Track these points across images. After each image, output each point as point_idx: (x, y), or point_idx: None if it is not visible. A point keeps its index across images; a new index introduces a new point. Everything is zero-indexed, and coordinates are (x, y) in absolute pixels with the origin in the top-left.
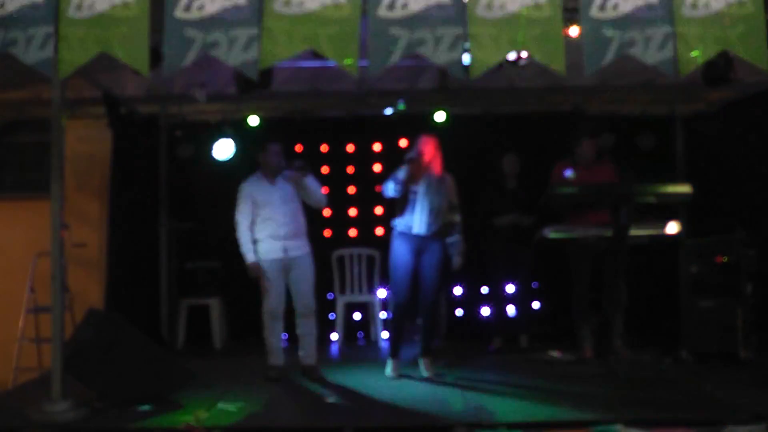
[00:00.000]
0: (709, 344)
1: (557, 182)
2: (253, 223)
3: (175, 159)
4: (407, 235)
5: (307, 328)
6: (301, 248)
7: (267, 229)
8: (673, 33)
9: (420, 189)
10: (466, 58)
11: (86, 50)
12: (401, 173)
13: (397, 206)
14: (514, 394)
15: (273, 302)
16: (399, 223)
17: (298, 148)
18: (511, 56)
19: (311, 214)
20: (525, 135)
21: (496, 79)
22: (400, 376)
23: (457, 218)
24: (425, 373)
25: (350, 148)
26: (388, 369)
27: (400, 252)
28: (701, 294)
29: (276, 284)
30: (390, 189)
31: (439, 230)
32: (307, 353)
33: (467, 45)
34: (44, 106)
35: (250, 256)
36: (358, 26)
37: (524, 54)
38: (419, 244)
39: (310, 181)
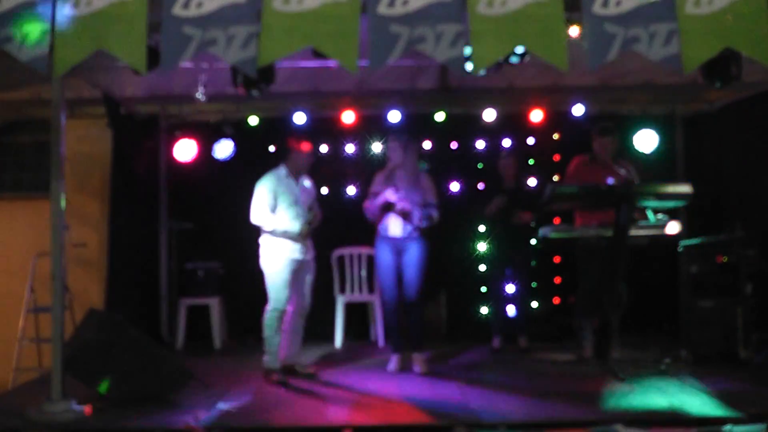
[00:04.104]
0: (709, 344)
1: (570, 177)
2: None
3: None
4: (386, 238)
5: (300, 326)
6: (312, 250)
7: (292, 229)
8: (677, 30)
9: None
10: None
11: (83, 48)
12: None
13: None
14: (514, 394)
15: (285, 302)
16: (380, 227)
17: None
18: (514, 59)
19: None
20: (525, 135)
21: (496, 79)
22: (400, 373)
23: (434, 216)
24: (418, 370)
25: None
26: (392, 364)
27: (382, 254)
28: (701, 294)
29: (289, 284)
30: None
31: (415, 231)
32: (295, 351)
33: (468, 41)
34: (44, 106)
35: (295, 229)
36: (357, 24)
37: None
38: (398, 246)
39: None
